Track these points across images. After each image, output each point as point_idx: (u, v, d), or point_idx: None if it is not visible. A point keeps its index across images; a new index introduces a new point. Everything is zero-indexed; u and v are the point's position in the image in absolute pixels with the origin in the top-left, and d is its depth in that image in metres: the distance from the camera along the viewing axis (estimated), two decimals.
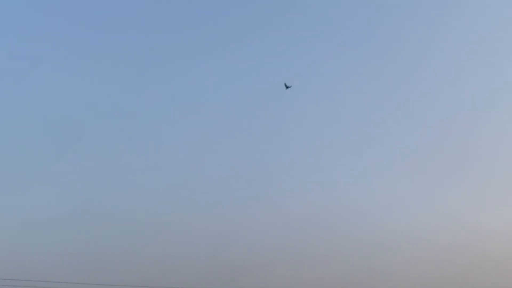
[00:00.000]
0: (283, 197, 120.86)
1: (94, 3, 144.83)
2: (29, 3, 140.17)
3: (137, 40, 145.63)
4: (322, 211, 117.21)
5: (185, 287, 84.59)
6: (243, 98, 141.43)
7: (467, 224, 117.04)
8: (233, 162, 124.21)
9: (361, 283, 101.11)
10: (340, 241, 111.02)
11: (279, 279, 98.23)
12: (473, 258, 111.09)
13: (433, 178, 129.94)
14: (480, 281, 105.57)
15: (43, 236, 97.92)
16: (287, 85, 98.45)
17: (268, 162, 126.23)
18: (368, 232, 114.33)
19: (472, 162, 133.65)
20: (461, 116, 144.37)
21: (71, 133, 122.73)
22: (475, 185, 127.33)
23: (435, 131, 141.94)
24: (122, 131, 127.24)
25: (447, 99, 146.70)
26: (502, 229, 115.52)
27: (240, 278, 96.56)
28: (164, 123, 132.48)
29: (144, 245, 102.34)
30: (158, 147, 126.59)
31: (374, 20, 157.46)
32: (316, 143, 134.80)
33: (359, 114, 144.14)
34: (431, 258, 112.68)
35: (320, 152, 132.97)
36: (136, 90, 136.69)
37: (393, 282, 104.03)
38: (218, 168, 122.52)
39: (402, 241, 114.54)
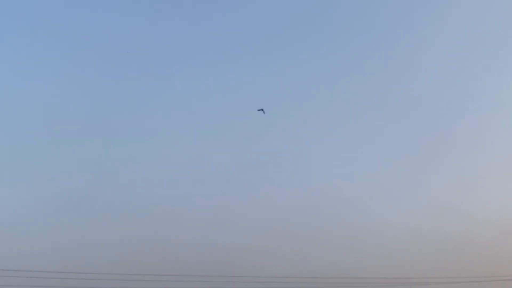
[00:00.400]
0: (274, 187, 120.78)
1: None
2: None
3: (135, 34, 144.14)
4: (314, 201, 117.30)
5: (180, 274, 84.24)
6: (231, 93, 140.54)
7: (459, 213, 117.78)
8: (226, 155, 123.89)
9: (352, 273, 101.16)
10: (333, 230, 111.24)
11: (274, 267, 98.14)
12: (465, 247, 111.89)
13: (424, 166, 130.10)
14: (472, 269, 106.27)
15: (37, 225, 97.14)
16: (262, 109, 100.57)
17: (259, 155, 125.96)
18: (359, 223, 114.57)
19: (465, 150, 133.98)
20: (452, 100, 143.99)
21: (68, 124, 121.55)
22: (467, 173, 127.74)
23: (424, 117, 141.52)
24: (120, 121, 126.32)
25: (436, 81, 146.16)
26: (494, 218, 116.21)
27: (234, 265, 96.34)
28: (162, 117, 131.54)
29: (139, 233, 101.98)
30: (154, 138, 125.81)
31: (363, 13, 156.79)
32: (304, 134, 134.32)
33: (344, 102, 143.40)
34: (423, 248, 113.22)
35: (307, 142, 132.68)
36: (132, 84, 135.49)
37: (384, 273, 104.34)
38: (212, 160, 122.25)
39: (394, 231, 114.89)
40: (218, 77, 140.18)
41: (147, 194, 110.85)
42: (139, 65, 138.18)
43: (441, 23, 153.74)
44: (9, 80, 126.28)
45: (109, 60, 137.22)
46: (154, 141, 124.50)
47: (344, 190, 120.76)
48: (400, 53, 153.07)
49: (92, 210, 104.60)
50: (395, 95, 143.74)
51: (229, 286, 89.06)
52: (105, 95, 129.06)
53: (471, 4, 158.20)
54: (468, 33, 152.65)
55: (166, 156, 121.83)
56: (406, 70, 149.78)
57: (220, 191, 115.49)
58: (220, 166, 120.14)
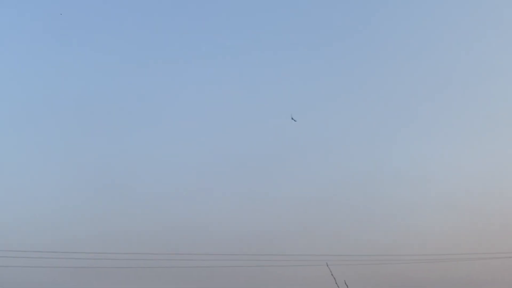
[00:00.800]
0: (306, 164, 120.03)
1: None
2: None
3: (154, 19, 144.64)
4: (346, 177, 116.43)
5: (209, 254, 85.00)
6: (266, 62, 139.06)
7: (496, 189, 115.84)
8: (257, 133, 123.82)
9: (387, 251, 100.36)
10: (368, 207, 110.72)
11: (308, 246, 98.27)
12: (502, 223, 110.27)
13: (461, 142, 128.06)
14: (508, 245, 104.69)
15: (75, 208, 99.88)
16: (293, 118, 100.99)
17: (291, 131, 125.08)
18: (394, 199, 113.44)
19: (502, 127, 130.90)
20: (492, 75, 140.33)
21: (97, 112, 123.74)
22: (508, 149, 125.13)
23: (464, 92, 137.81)
24: (145, 109, 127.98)
25: (480, 59, 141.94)
26: None
27: (265, 246, 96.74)
28: (191, 100, 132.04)
29: (168, 215, 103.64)
30: (181, 122, 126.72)
31: None
32: (338, 108, 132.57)
33: (380, 74, 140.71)
34: (460, 224, 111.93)
35: (342, 116, 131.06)
36: (153, 72, 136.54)
37: (420, 249, 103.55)
38: (242, 139, 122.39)
39: (430, 207, 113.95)
40: (243, 58, 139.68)
41: (181, 179, 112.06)
42: (157, 52, 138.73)
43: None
44: (39, 71, 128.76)
45: (128, 45, 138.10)
46: (184, 126, 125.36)
47: (379, 165, 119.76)
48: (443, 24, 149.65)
49: (131, 194, 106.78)
50: (435, 68, 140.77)
51: (262, 265, 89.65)
52: (129, 81, 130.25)
53: None
54: None
55: (197, 139, 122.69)
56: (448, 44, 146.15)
57: (251, 171, 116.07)
58: (251, 145, 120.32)
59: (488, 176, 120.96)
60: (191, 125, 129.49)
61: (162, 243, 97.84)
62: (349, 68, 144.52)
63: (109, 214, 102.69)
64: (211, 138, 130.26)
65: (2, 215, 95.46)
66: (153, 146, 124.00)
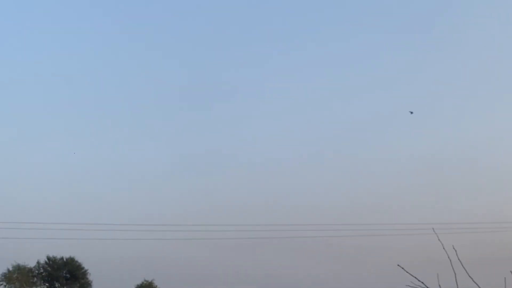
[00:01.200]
0: (420, 128, 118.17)
1: None
2: None
3: None
4: (457, 142, 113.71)
5: (305, 224, 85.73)
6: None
7: None
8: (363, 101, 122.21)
9: (486, 219, 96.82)
10: (463, 175, 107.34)
11: (408, 214, 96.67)
12: None
13: None
14: None
15: (171, 185, 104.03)
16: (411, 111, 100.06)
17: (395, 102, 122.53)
18: (491, 167, 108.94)
19: None
20: None
21: (199, 88, 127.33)
22: None
23: None
24: (246, 85, 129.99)
25: None
26: None
27: (370, 216, 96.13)
28: (291, 74, 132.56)
29: (264, 186, 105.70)
30: (277, 92, 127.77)
31: None
32: (432, 78, 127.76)
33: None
34: None
35: (436, 85, 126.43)
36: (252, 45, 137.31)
37: None
38: (348, 108, 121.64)
39: None
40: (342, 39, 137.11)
41: (284, 152, 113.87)
42: (263, 28, 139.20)
43: None
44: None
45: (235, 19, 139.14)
46: (278, 96, 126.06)
47: (471, 133, 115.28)
48: None
49: (226, 168, 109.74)
50: None
51: (363, 234, 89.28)
52: (237, 59, 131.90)
53: None
54: None
55: (299, 111, 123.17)
56: None
57: (356, 141, 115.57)
58: (354, 114, 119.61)
59: None
60: (292, 98, 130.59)
61: (267, 214, 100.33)
62: (441, 42, 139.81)
63: (217, 188, 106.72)
64: (313, 110, 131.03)
65: (124, 193, 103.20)
66: (256, 122, 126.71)
